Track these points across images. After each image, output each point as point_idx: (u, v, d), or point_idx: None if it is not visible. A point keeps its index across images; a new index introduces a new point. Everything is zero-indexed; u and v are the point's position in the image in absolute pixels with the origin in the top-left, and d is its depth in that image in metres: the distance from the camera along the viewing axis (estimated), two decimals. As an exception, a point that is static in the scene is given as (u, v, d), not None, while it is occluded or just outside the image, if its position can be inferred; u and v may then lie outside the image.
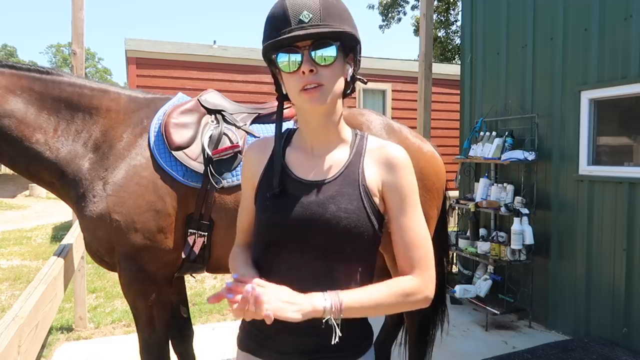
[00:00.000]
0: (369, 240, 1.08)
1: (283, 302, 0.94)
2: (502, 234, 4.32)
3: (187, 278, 2.50)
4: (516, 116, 4.33)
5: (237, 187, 2.04)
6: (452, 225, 5.57)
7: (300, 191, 1.09)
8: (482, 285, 4.27)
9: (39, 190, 16.20)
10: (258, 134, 2.18)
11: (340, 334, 0.97)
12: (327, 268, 1.04)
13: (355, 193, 1.07)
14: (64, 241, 2.70)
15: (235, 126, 2.17)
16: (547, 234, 4.07)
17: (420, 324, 2.52)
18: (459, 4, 18.50)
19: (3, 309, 4.65)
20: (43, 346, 3.62)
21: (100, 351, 3.61)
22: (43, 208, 13.44)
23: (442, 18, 21.07)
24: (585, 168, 3.76)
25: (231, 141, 2.11)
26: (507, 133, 4.30)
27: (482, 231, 4.57)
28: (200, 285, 5.39)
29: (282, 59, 1.03)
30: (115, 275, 2.25)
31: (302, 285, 1.00)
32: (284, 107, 1.20)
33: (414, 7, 21.88)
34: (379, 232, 1.10)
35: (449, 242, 3.87)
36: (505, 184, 4.35)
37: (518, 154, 4.07)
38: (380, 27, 23.30)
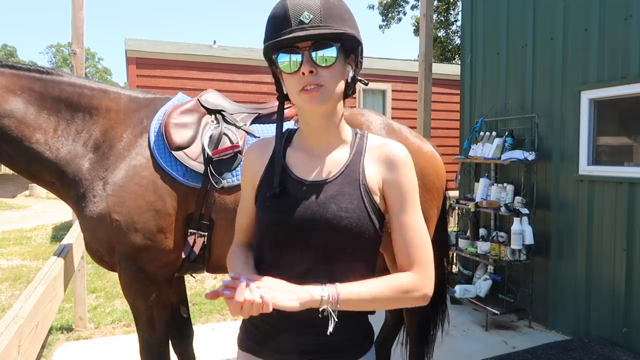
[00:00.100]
0: (369, 240, 1.08)
1: (280, 291, 0.95)
2: (502, 234, 4.32)
3: (187, 278, 2.50)
4: (516, 116, 4.33)
5: (237, 187, 2.04)
6: (452, 225, 5.57)
7: (301, 191, 1.09)
8: (482, 285, 4.27)
9: (39, 190, 16.20)
10: (258, 134, 2.18)
11: (337, 320, 0.97)
12: (328, 268, 1.04)
13: (356, 192, 1.08)
14: (64, 241, 2.70)
15: (236, 126, 2.17)
16: (547, 234, 4.07)
17: (420, 324, 2.52)
18: (459, 4, 18.51)
19: (3, 309, 4.65)
20: (43, 346, 3.62)
21: (100, 351, 3.61)
22: (43, 208, 13.44)
23: (442, 18, 21.07)
24: (585, 168, 3.76)
25: (231, 141, 2.11)
26: (507, 133, 4.30)
27: (482, 231, 4.57)
28: (200, 285, 5.39)
29: (283, 59, 1.03)
30: (115, 275, 2.25)
31: (303, 284, 1.00)
32: (285, 107, 1.20)
33: (413, 7, 21.89)
34: (379, 232, 1.10)
35: (449, 242, 3.87)
36: (505, 184, 4.35)
37: (518, 154, 4.07)
38: (380, 27, 23.30)
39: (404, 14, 22.74)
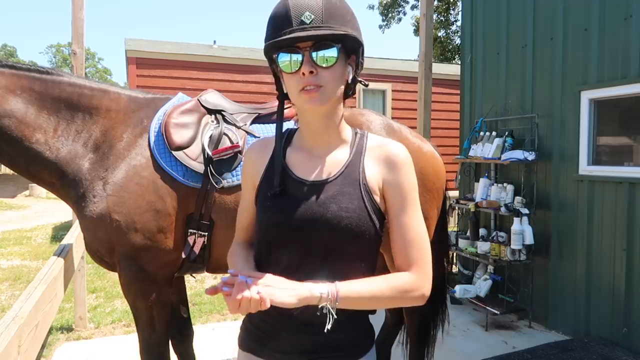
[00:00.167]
0: (370, 240, 1.08)
1: (278, 287, 0.95)
2: (502, 234, 4.32)
3: (187, 278, 2.50)
4: (516, 116, 4.33)
5: (237, 187, 2.04)
6: (452, 225, 5.57)
7: (301, 191, 1.09)
8: (482, 285, 4.27)
9: (39, 190, 16.20)
10: (258, 134, 2.18)
11: (335, 318, 0.97)
12: (328, 268, 1.04)
13: (356, 192, 1.08)
14: (64, 241, 2.70)
15: (236, 126, 2.17)
16: (547, 234, 4.07)
17: (421, 324, 2.52)
18: (459, 4, 18.51)
19: (3, 309, 4.65)
20: (43, 346, 3.62)
21: (100, 351, 3.61)
22: (43, 208, 13.44)
23: (442, 18, 21.07)
24: (585, 168, 3.76)
25: (231, 141, 2.11)
26: (507, 133, 4.30)
27: (482, 231, 4.57)
28: (200, 285, 5.39)
29: (283, 59, 1.03)
30: (115, 275, 2.25)
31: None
32: (285, 106, 1.20)
33: (413, 7, 21.89)
34: (380, 232, 1.10)
35: (449, 242, 3.87)
36: (505, 184, 4.35)
37: (518, 154, 4.07)
38: (380, 27, 23.31)
39: (404, 14, 22.75)
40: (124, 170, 1.99)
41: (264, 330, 1.11)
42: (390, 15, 22.76)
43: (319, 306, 0.97)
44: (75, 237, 2.78)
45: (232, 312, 0.95)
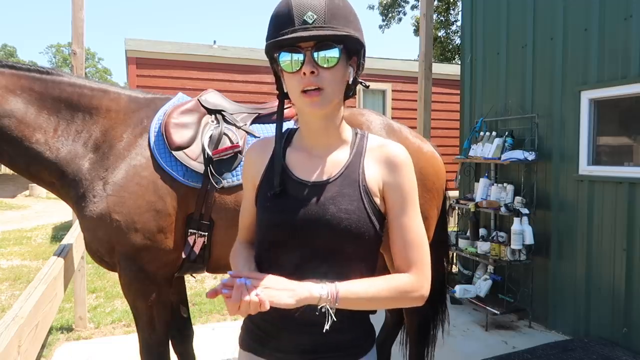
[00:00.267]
0: (370, 241, 1.08)
1: (278, 289, 0.95)
2: (502, 234, 4.32)
3: (187, 278, 2.50)
4: (516, 116, 4.33)
5: (237, 187, 2.04)
6: (452, 225, 5.57)
7: (301, 192, 1.09)
8: (482, 285, 4.27)
9: (39, 190, 16.21)
10: (258, 134, 2.18)
11: (334, 319, 0.97)
12: (328, 269, 1.04)
13: (356, 193, 1.07)
14: (64, 241, 2.70)
15: (236, 126, 2.17)
16: (547, 234, 4.07)
17: (420, 324, 2.52)
18: (459, 4, 18.51)
19: (3, 309, 4.65)
20: (43, 346, 3.62)
21: (100, 351, 3.61)
22: (43, 208, 13.44)
23: (442, 18, 21.07)
24: (585, 168, 3.76)
25: (231, 141, 2.11)
26: (507, 133, 4.30)
27: (482, 231, 4.57)
28: (200, 285, 5.39)
29: (284, 58, 1.03)
30: (115, 275, 2.25)
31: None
32: (285, 106, 1.19)
33: (413, 7, 21.89)
34: (380, 232, 1.10)
35: (449, 242, 3.87)
36: (505, 184, 4.35)
37: (518, 154, 4.07)
38: (380, 27, 23.31)
39: (404, 14, 22.75)
40: (124, 170, 1.99)
41: (264, 329, 1.11)
42: (390, 15, 22.76)
43: (319, 306, 0.97)
44: (75, 237, 2.78)
45: (232, 315, 0.95)
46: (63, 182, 2.05)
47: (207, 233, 2.03)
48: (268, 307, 0.92)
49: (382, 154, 1.12)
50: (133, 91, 2.25)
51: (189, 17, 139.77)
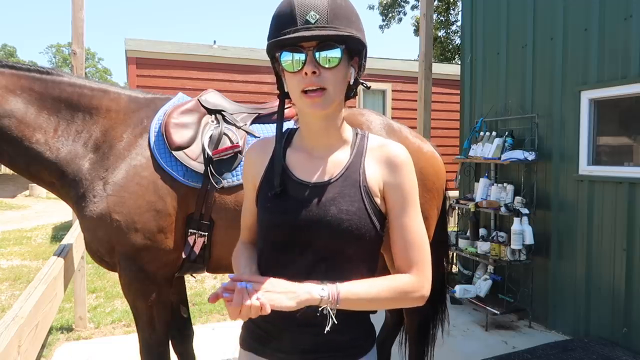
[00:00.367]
0: (370, 241, 1.08)
1: (278, 292, 0.94)
2: (502, 234, 4.32)
3: (187, 278, 2.50)
4: (516, 116, 4.33)
5: (237, 187, 2.04)
6: (452, 225, 5.57)
7: (301, 193, 1.09)
8: (482, 285, 4.27)
9: (39, 190, 16.20)
10: (258, 134, 2.18)
11: (335, 321, 0.97)
12: (329, 269, 1.04)
13: (357, 194, 1.07)
14: (64, 241, 2.70)
15: (236, 126, 2.17)
16: (547, 234, 4.07)
17: (421, 324, 2.52)
18: (459, 4, 18.51)
19: (3, 309, 4.65)
20: (43, 346, 3.62)
21: (100, 351, 3.61)
22: (43, 208, 13.44)
23: (442, 18, 21.07)
24: (585, 168, 3.76)
25: (231, 141, 2.11)
26: (507, 133, 4.30)
27: (482, 231, 4.57)
28: (200, 285, 5.39)
29: (286, 58, 1.02)
30: (115, 275, 2.25)
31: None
32: (285, 106, 1.19)
33: (414, 7, 21.89)
34: (380, 233, 1.10)
35: (449, 242, 3.87)
36: (505, 184, 4.35)
37: (518, 154, 4.07)
38: (380, 27, 23.30)
39: (404, 14, 22.75)
40: (124, 170, 1.99)
41: (265, 329, 1.11)
42: (390, 15, 22.76)
43: (319, 307, 0.97)
44: (75, 237, 2.78)
45: (233, 319, 0.95)
46: (63, 182, 2.05)
47: (207, 233, 2.03)
48: (269, 311, 0.92)
49: (382, 154, 1.12)
50: (133, 91, 2.25)
51: (189, 17, 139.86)
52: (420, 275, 1.07)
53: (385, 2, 22.41)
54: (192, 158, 2.03)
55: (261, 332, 1.12)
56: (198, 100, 2.21)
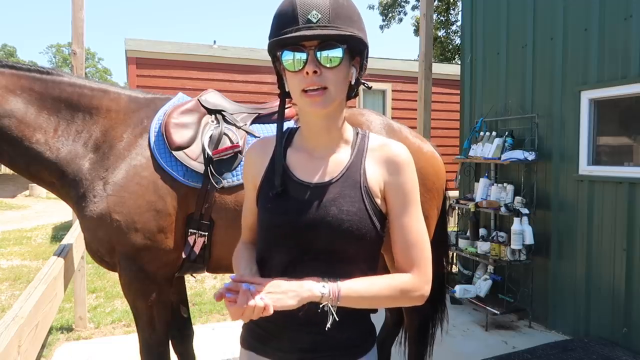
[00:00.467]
0: (371, 242, 1.08)
1: (280, 292, 0.95)
2: (502, 234, 4.32)
3: (187, 278, 2.50)
4: (516, 116, 4.33)
5: (238, 187, 2.04)
6: (452, 225, 5.57)
7: (302, 193, 1.08)
8: (482, 285, 4.27)
9: (39, 190, 16.20)
10: (258, 134, 2.18)
11: (336, 318, 0.98)
12: (330, 270, 1.04)
13: (357, 195, 1.07)
14: (64, 241, 2.70)
15: (236, 126, 2.17)
16: (547, 234, 4.07)
17: (420, 324, 2.53)
18: (459, 4, 18.50)
19: (3, 309, 4.65)
20: (43, 346, 3.62)
21: (100, 351, 3.61)
22: (43, 208, 13.44)
23: (442, 18, 21.07)
24: (585, 168, 3.76)
25: (231, 141, 2.11)
26: (507, 133, 4.30)
27: (482, 231, 4.57)
28: (200, 285, 5.39)
29: (287, 57, 1.02)
30: (115, 275, 2.25)
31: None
32: (285, 106, 1.19)
33: (414, 8, 21.89)
34: (381, 233, 1.10)
35: (449, 242, 3.87)
36: (505, 184, 4.35)
37: (518, 154, 4.07)
38: (381, 27, 23.30)
39: (405, 14, 22.75)
40: (124, 170, 1.99)
41: (266, 328, 1.11)
42: (390, 15, 22.76)
43: (320, 305, 0.97)
44: (75, 237, 2.78)
45: (234, 319, 0.95)
46: (63, 182, 2.05)
47: (207, 233, 2.04)
48: (272, 312, 0.93)
49: (383, 154, 1.12)
50: (133, 91, 2.25)
51: (189, 17, 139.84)
52: (421, 274, 1.07)
53: (385, 2, 22.41)
54: (192, 158, 2.03)
55: (261, 331, 1.12)
56: (198, 100, 2.21)
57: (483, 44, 4.80)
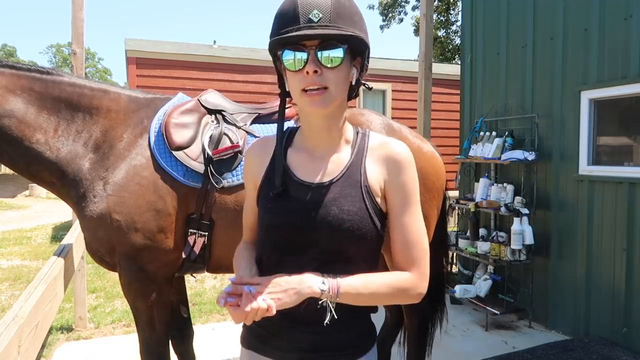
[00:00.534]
0: (372, 241, 1.08)
1: (281, 292, 0.96)
2: (502, 234, 4.32)
3: (187, 278, 2.50)
4: (516, 116, 4.33)
5: (238, 187, 2.04)
6: (452, 225, 5.57)
7: (302, 193, 1.08)
8: (482, 285, 4.27)
9: (39, 190, 16.21)
10: (258, 134, 2.18)
11: (334, 314, 0.98)
12: (330, 269, 1.04)
13: (358, 194, 1.07)
14: (64, 241, 2.70)
15: (236, 126, 2.18)
16: (547, 234, 4.07)
17: (420, 323, 2.53)
18: (459, 4, 18.50)
19: (3, 309, 4.65)
20: (43, 346, 3.62)
21: (100, 351, 3.61)
22: (43, 208, 13.44)
23: (442, 18, 21.07)
24: (585, 168, 3.76)
25: (231, 141, 2.11)
26: (507, 133, 4.30)
27: (482, 231, 4.57)
28: (200, 285, 5.39)
29: (288, 57, 1.02)
30: (115, 275, 2.25)
31: None
32: (286, 106, 1.19)
33: (414, 8, 21.89)
34: (381, 232, 1.10)
35: (449, 242, 3.87)
36: (505, 184, 4.35)
37: (518, 154, 4.07)
38: (381, 27, 23.30)
39: (405, 14, 22.75)
40: (124, 170, 1.99)
41: (266, 328, 1.11)
42: (390, 15, 22.76)
43: (320, 301, 0.98)
44: (75, 237, 2.78)
45: (237, 322, 0.96)
46: (63, 182, 2.05)
47: (207, 233, 2.04)
48: (274, 312, 0.93)
49: (383, 152, 1.12)
50: (133, 91, 2.25)
51: (189, 17, 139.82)
52: (419, 273, 1.07)
53: (385, 2, 22.41)
54: (192, 158, 2.03)
55: (262, 330, 1.12)
56: (198, 100, 2.21)
57: (483, 44, 4.80)
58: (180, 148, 2.03)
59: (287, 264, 1.06)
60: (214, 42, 12.47)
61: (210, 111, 2.20)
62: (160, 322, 2.06)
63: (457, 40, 20.65)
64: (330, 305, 0.98)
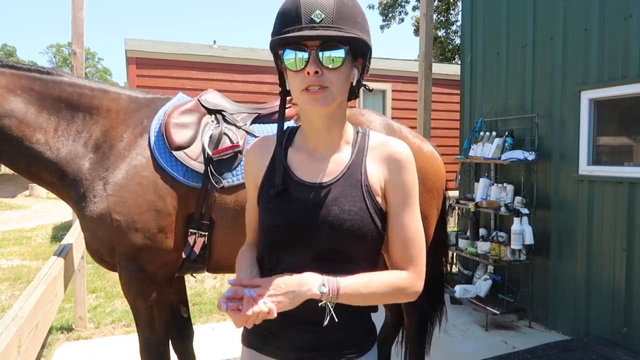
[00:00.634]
0: (372, 241, 1.08)
1: (282, 294, 0.96)
2: (502, 234, 4.32)
3: (187, 278, 2.50)
4: (516, 116, 4.33)
5: (238, 187, 2.04)
6: (452, 225, 5.57)
7: (303, 193, 1.08)
8: (482, 285, 4.27)
9: (39, 190, 16.20)
10: (258, 134, 2.18)
11: (334, 314, 0.99)
12: (331, 269, 1.04)
13: (358, 194, 1.07)
14: (64, 241, 2.70)
15: (236, 126, 2.18)
16: (547, 234, 4.07)
17: (419, 323, 2.53)
18: (459, 4, 18.50)
19: (3, 309, 4.65)
20: (43, 346, 3.62)
21: (100, 351, 3.61)
22: (43, 208, 13.44)
23: (442, 18, 21.07)
24: (585, 168, 3.76)
25: (231, 141, 2.11)
26: (507, 133, 4.30)
27: (482, 231, 4.57)
28: (200, 285, 5.39)
29: (289, 56, 1.01)
30: (115, 275, 2.25)
31: None
32: (286, 106, 1.19)
33: (414, 8, 21.89)
34: (382, 232, 1.10)
35: (449, 242, 3.87)
36: (505, 184, 4.35)
37: (518, 154, 4.07)
38: (381, 27, 23.30)
39: (405, 14, 22.74)
40: (124, 170, 1.99)
41: (267, 327, 1.11)
42: (390, 15, 22.76)
43: (319, 301, 0.98)
44: (75, 237, 2.78)
45: (238, 326, 0.96)
46: (63, 182, 2.05)
47: (207, 233, 2.04)
48: (276, 315, 0.94)
49: (384, 152, 1.12)
50: (133, 91, 2.25)
51: (189, 17, 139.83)
52: (416, 272, 1.08)
53: (385, 2, 22.41)
54: (192, 158, 2.03)
55: (262, 329, 1.12)
56: (198, 100, 2.21)
57: (483, 44, 4.80)
58: (180, 148, 2.03)
59: (288, 263, 1.06)
60: (214, 42, 12.47)
61: (210, 111, 2.21)
62: (160, 322, 2.06)
63: (457, 40, 20.65)
64: (330, 306, 0.98)
